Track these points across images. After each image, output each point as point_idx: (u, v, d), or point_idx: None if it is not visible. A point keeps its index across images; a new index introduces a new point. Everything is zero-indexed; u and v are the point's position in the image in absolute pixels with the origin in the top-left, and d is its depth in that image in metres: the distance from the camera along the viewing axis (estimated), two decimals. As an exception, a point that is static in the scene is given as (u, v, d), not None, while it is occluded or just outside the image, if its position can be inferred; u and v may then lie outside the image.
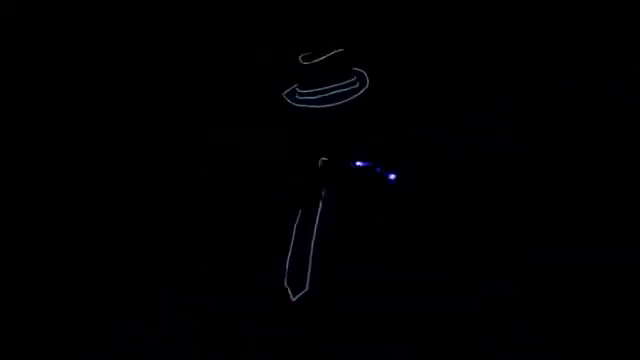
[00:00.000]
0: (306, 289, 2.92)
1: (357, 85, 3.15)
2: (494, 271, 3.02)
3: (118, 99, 3.52)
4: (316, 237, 2.98)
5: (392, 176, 3.06)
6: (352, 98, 3.13)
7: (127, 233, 3.29)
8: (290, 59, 3.20)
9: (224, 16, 3.57)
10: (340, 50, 3.13)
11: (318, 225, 2.98)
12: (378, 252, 2.99)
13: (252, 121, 3.37)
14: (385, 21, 3.39)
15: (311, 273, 2.94)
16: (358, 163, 3.05)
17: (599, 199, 3.11)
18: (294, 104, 3.18)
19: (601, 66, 3.23)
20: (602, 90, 3.21)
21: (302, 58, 3.13)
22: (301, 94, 3.18)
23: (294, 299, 2.92)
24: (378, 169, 3.06)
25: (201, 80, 3.53)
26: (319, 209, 3.01)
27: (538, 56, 3.29)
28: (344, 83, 3.13)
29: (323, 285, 2.94)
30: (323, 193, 3.02)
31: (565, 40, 3.28)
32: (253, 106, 3.41)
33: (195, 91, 3.52)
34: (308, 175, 3.07)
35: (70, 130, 3.48)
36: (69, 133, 3.48)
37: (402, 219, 3.06)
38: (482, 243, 3.07)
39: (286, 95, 3.24)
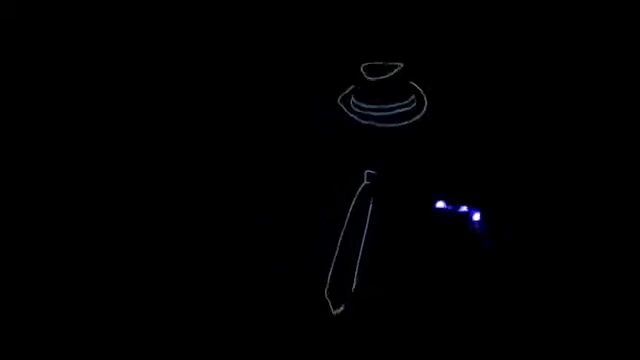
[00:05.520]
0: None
1: (415, 104, 3.13)
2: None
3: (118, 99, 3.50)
4: (362, 252, 2.97)
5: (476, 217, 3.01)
6: (415, 119, 3.11)
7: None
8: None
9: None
10: (401, 65, 3.09)
11: (365, 240, 2.98)
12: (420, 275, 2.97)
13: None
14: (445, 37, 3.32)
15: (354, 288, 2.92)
16: (440, 205, 3.00)
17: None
18: (351, 115, 3.14)
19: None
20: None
21: (367, 72, 3.08)
22: (360, 107, 3.14)
23: (335, 312, 2.90)
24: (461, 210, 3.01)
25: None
26: (366, 225, 3.00)
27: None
28: (407, 102, 3.12)
29: (364, 301, 2.92)
30: (370, 208, 3.01)
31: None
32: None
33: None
34: (356, 188, 3.06)
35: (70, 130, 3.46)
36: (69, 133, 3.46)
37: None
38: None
39: (341, 102, 3.19)
